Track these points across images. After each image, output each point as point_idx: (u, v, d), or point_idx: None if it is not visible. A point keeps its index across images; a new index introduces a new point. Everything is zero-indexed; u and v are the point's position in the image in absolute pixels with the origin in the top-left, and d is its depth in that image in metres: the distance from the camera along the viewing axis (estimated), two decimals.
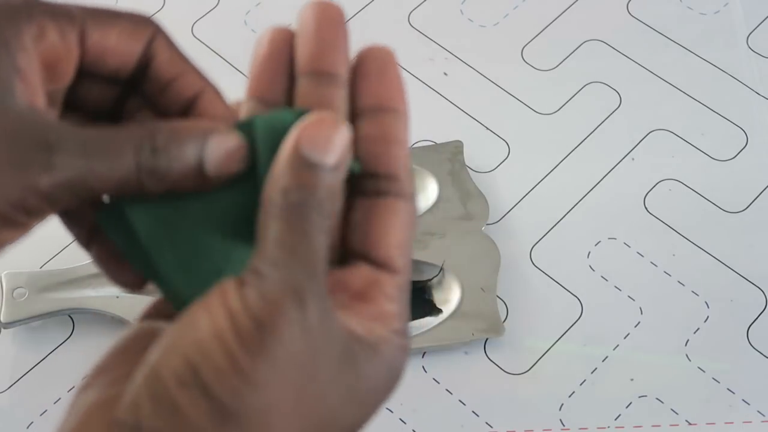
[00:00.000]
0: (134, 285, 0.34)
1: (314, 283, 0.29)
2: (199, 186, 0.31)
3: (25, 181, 0.28)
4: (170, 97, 0.32)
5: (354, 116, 0.32)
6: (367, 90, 0.32)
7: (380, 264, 0.32)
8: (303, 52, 0.33)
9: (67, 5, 0.31)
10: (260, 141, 0.31)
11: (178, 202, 0.31)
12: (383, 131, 0.32)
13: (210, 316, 0.28)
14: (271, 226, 0.29)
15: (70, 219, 0.34)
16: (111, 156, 0.29)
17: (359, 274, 0.32)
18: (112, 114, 0.33)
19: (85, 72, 0.32)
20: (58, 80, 0.31)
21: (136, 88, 0.33)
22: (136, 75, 0.32)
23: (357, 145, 0.31)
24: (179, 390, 0.27)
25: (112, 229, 0.32)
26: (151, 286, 0.32)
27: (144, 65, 0.32)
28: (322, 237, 0.29)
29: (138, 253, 0.32)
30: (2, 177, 0.28)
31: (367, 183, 0.32)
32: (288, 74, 0.33)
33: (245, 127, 0.31)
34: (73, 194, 0.29)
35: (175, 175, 0.30)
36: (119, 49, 0.31)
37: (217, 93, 0.33)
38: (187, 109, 0.33)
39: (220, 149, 0.30)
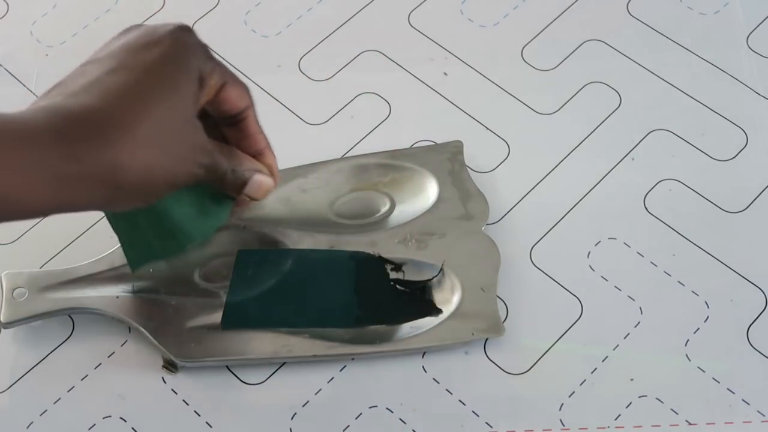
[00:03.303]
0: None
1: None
2: (238, 197, 0.53)
3: (201, 146, 0.49)
4: (246, 143, 0.53)
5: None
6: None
7: None
8: None
9: (229, 71, 0.50)
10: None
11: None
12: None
13: None
14: None
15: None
16: (223, 157, 0.50)
17: None
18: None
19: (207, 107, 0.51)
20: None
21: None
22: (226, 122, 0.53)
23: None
24: None
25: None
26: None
27: (237, 119, 0.52)
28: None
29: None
30: (195, 141, 0.48)
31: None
32: None
33: None
34: (210, 163, 0.49)
35: (236, 185, 0.52)
36: (232, 102, 0.51)
37: (271, 153, 0.54)
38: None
39: (255, 182, 0.52)
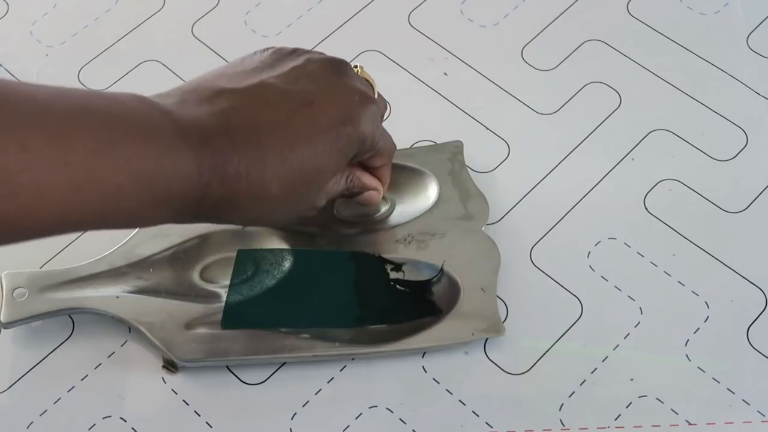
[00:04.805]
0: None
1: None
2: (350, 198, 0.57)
3: (316, 207, 0.52)
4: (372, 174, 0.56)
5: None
6: None
7: None
8: None
9: (383, 139, 0.54)
10: None
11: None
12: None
13: None
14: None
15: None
16: (337, 183, 0.52)
17: None
18: None
19: None
20: None
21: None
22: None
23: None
24: None
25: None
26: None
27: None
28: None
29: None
30: (315, 204, 0.51)
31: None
32: None
33: None
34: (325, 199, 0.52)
35: (353, 191, 0.54)
36: (371, 163, 0.55)
37: (387, 183, 0.57)
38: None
39: (368, 194, 0.56)
